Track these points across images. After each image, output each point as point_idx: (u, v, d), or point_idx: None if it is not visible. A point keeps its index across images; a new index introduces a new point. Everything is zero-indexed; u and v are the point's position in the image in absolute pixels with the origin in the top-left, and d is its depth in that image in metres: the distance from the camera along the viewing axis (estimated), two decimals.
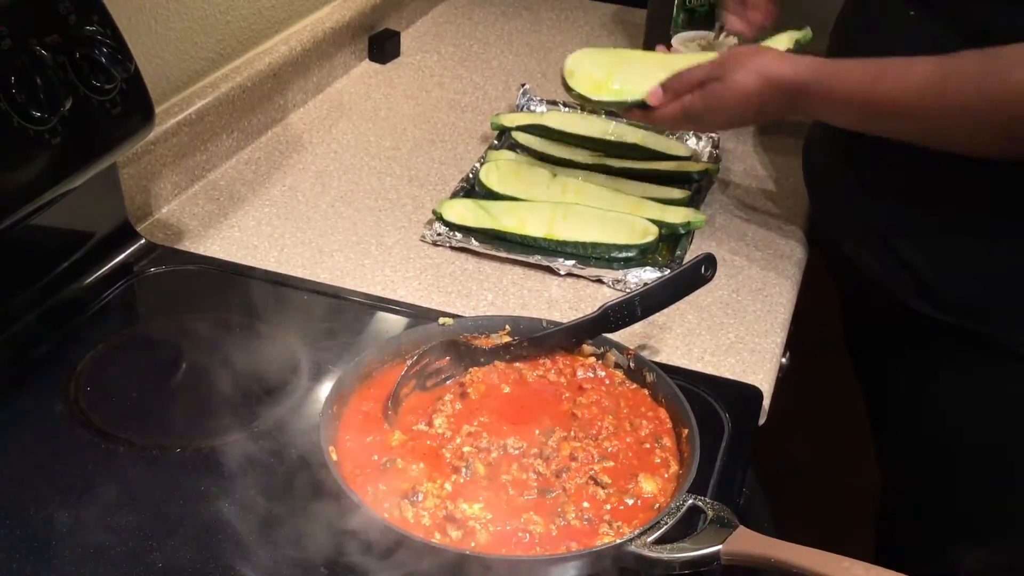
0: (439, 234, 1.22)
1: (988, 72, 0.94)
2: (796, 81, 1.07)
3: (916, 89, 0.98)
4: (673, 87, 1.16)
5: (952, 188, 1.06)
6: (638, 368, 0.95)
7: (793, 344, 1.19)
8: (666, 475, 0.86)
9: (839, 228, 1.21)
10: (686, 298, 1.03)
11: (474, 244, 1.20)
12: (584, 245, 1.18)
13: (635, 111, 1.20)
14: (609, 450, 0.87)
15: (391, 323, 1.09)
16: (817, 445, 1.84)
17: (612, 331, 0.98)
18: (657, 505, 0.82)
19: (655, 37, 1.62)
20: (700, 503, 0.81)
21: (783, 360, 1.12)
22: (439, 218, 1.22)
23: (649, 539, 0.78)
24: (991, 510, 1.21)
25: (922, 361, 1.18)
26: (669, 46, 1.41)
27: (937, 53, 0.99)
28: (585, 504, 0.82)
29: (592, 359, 0.97)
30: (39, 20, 0.95)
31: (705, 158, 1.39)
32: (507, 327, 0.98)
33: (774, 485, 1.27)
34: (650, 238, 1.19)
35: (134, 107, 1.05)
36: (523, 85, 1.50)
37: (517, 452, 0.86)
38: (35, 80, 0.92)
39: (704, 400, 0.98)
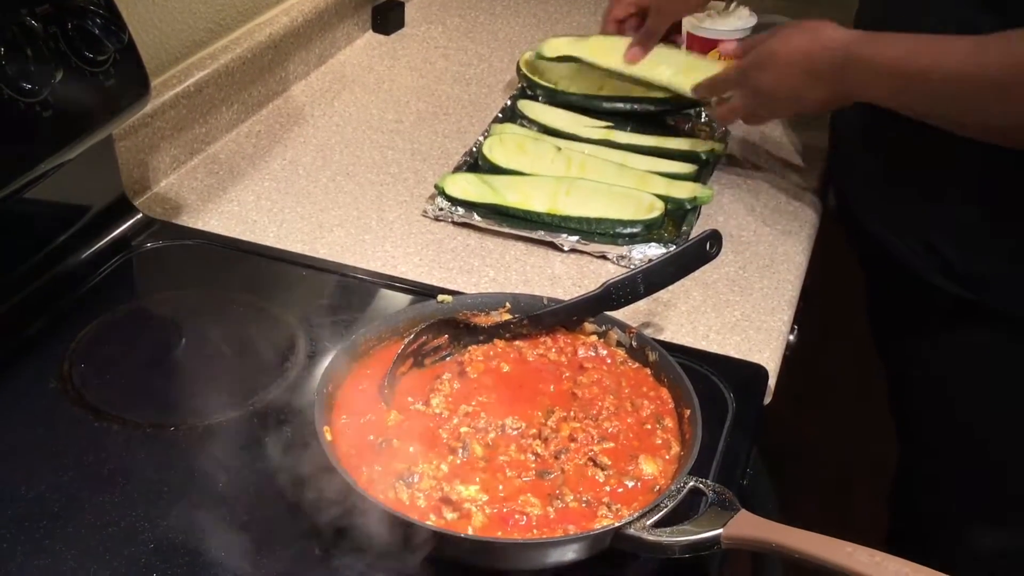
0: (441, 209, 1.20)
1: None
2: (846, 45, 1.06)
3: (957, 59, 0.97)
4: (735, 50, 1.22)
5: (972, 168, 1.04)
6: (640, 347, 0.93)
7: (801, 320, 1.17)
8: (667, 456, 0.84)
9: (864, 207, 1.19)
10: (692, 275, 1.00)
11: (476, 219, 1.18)
12: (588, 220, 1.16)
13: None
14: (609, 431, 0.85)
15: (391, 300, 1.07)
16: (825, 423, 1.82)
17: (614, 309, 0.96)
18: (657, 487, 0.81)
19: None
20: (701, 485, 0.79)
21: (790, 338, 1.10)
22: (441, 193, 1.20)
23: (648, 522, 0.76)
24: (1016, 492, 1.19)
25: (948, 339, 1.16)
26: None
27: (964, 27, 0.97)
28: (584, 486, 0.81)
29: (594, 337, 0.95)
30: None
31: (713, 134, 1.36)
32: (507, 304, 0.96)
33: (780, 464, 1.26)
34: (655, 213, 1.16)
35: (128, 79, 1.03)
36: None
37: (515, 432, 0.85)
38: (25, 52, 0.90)
39: (708, 379, 0.96)
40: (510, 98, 1.41)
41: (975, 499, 1.24)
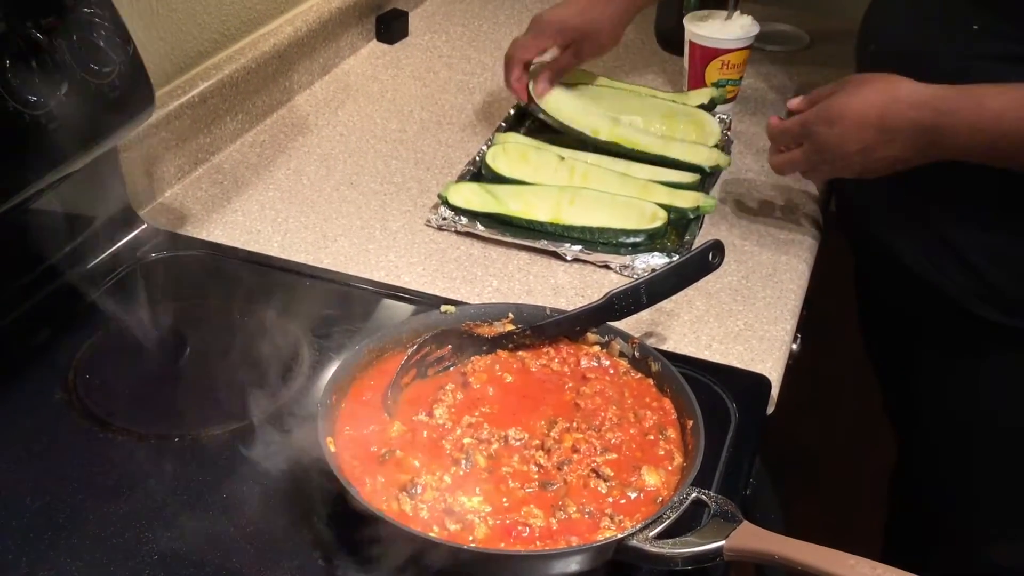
0: (444, 218, 1.20)
1: None
2: (930, 102, 0.97)
3: None
4: (799, 104, 1.11)
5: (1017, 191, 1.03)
6: (643, 357, 0.93)
7: (804, 329, 1.17)
8: (670, 467, 0.84)
9: (889, 227, 1.17)
10: (694, 285, 1.01)
11: (480, 229, 1.19)
12: (591, 230, 1.16)
13: None
14: (612, 442, 0.85)
15: (395, 310, 1.07)
16: (828, 432, 1.82)
17: (617, 319, 0.96)
18: (660, 499, 0.81)
19: (667, 16, 1.60)
20: (704, 497, 0.79)
21: (793, 346, 1.10)
22: (445, 202, 1.21)
23: (651, 533, 0.76)
24: (1019, 500, 1.19)
25: (958, 352, 1.16)
26: None
27: (1009, 66, 0.96)
28: (586, 497, 0.81)
29: (596, 348, 0.96)
30: (35, 2, 0.93)
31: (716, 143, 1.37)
32: (510, 315, 0.96)
33: (782, 472, 1.26)
34: (658, 223, 1.17)
35: (133, 90, 1.03)
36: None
37: (518, 443, 0.85)
38: (31, 64, 0.91)
39: (711, 389, 0.96)
40: (513, 107, 1.42)
41: (976, 506, 1.24)
